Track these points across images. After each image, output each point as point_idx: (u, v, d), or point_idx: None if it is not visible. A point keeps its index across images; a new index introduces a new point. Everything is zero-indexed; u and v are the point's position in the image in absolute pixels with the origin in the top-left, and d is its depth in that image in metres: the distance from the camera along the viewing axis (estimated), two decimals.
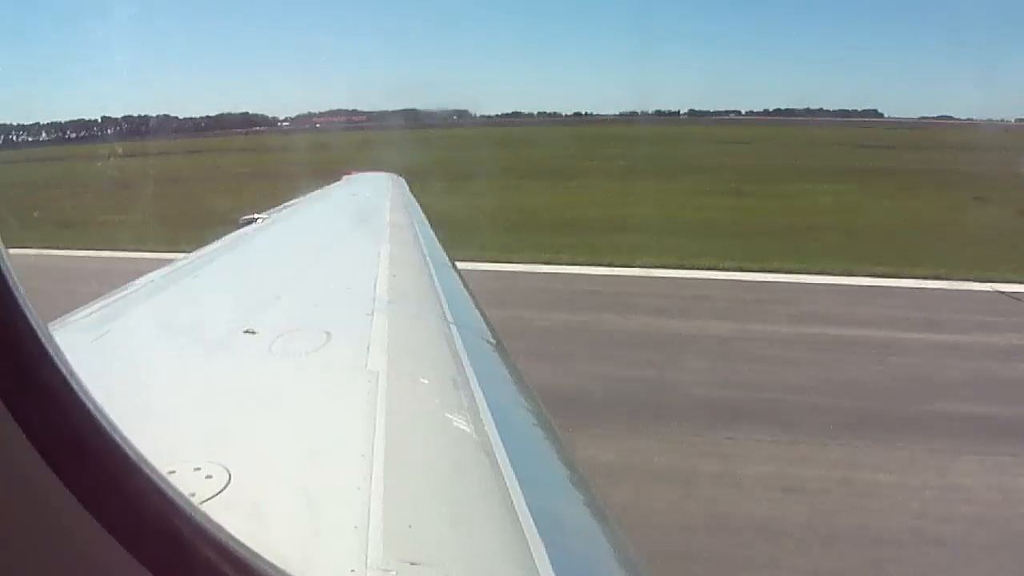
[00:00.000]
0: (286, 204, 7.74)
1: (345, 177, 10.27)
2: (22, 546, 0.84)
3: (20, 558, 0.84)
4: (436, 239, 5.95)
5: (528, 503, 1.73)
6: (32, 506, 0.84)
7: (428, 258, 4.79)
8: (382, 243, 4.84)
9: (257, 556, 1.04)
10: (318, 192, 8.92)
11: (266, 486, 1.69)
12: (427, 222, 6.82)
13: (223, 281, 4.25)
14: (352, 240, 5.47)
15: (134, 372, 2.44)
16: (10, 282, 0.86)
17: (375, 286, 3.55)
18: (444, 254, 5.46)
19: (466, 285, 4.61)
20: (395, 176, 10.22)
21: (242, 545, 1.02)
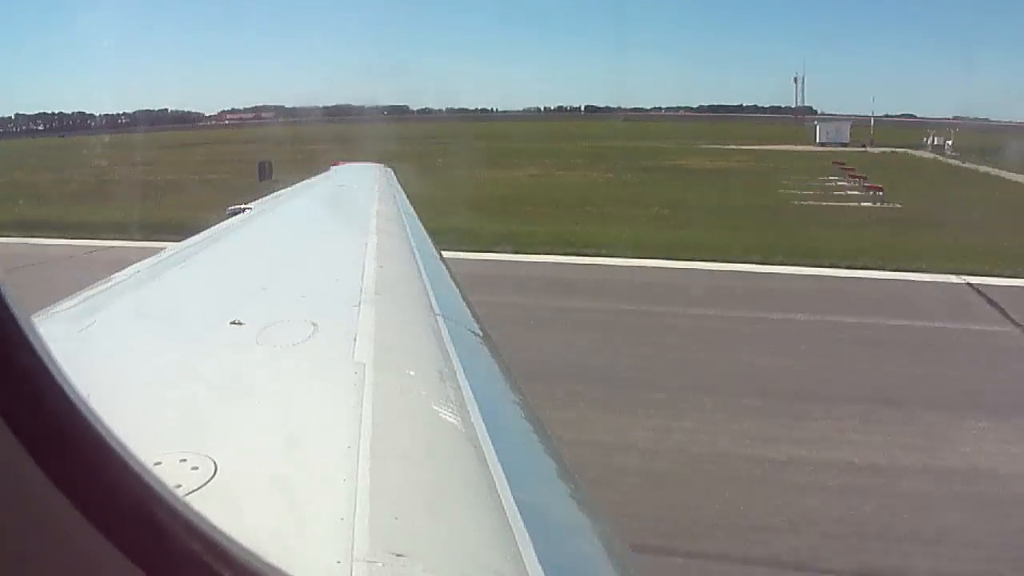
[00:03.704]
0: (273, 194, 7.69)
1: (333, 167, 10.24)
2: (7, 541, 0.84)
3: (5, 553, 0.84)
4: (424, 229, 5.94)
5: (515, 495, 1.73)
6: (15, 500, 0.84)
7: (415, 249, 4.78)
8: (369, 233, 4.82)
9: (242, 548, 1.03)
10: (305, 182, 8.88)
11: (252, 478, 1.69)
12: (414, 212, 6.80)
13: (210, 272, 4.22)
14: (339, 230, 5.45)
15: (119, 363, 2.42)
16: None
17: (362, 277, 3.54)
18: (431, 245, 5.45)
19: (453, 276, 4.60)
20: (383, 167, 10.19)
21: (227, 537, 1.02)
